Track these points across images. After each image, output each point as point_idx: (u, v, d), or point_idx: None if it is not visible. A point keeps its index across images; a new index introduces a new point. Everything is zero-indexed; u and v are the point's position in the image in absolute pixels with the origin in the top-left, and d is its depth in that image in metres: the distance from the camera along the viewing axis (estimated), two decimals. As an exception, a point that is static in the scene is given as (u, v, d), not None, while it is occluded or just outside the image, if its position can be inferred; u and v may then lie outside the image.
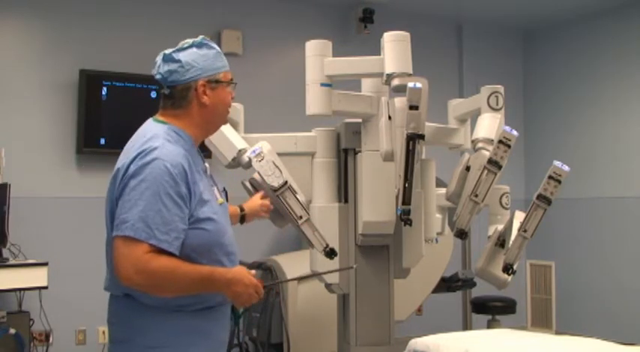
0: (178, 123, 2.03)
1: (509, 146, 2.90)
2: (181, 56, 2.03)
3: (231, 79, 2.09)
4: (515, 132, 2.92)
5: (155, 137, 1.95)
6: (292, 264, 4.32)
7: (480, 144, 3.13)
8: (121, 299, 1.97)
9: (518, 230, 2.88)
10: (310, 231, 2.91)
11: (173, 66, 2.02)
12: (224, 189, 2.19)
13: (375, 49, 3.15)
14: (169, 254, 1.84)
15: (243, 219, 2.60)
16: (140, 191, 1.83)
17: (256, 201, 2.70)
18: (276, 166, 2.93)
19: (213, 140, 2.93)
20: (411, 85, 2.76)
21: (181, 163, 1.89)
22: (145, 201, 1.82)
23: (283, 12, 5.56)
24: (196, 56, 2.03)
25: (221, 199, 2.08)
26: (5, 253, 4.03)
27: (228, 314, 2.11)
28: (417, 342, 2.93)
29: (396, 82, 2.97)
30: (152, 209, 1.82)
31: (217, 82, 2.04)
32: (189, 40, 2.06)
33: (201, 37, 2.08)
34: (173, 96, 2.04)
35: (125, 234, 1.82)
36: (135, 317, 1.95)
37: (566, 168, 2.78)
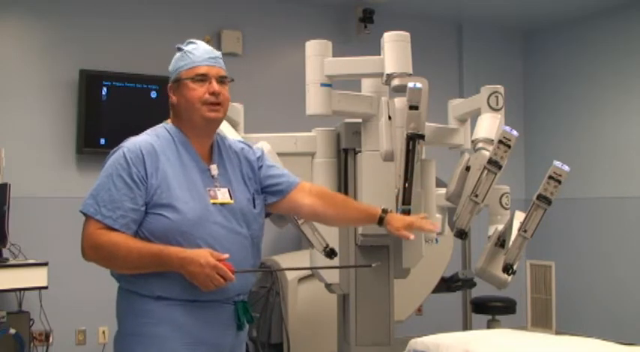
0: (173, 122, 2.15)
1: (509, 146, 2.90)
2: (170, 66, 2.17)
3: (198, 75, 2.06)
4: (515, 133, 2.92)
5: (140, 134, 2.10)
6: (292, 264, 4.32)
7: (480, 144, 3.13)
8: (119, 287, 2.10)
9: (518, 230, 2.88)
10: (310, 231, 2.91)
11: None
12: (252, 197, 2.17)
13: (375, 49, 3.15)
14: (123, 232, 1.95)
15: (381, 220, 2.31)
16: (100, 176, 2.02)
17: (408, 218, 2.36)
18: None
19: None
20: (411, 85, 2.76)
21: (140, 148, 2.01)
22: (98, 182, 2.00)
23: (283, 12, 5.56)
24: (172, 62, 2.15)
25: (222, 200, 2.07)
26: (5, 253, 4.03)
27: (223, 315, 2.06)
28: (417, 342, 2.92)
29: (396, 82, 2.97)
30: (103, 188, 1.98)
31: (178, 80, 2.09)
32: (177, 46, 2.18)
33: (187, 41, 2.16)
34: None
35: (79, 210, 1.99)
36: (119, 303, 2.09)
37: (566, 168, 2.78)
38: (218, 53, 2.15)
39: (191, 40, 2.15)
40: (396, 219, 2.31)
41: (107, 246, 1.94)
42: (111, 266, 2.01)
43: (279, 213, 2.46)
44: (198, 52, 2.10)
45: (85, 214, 1.98)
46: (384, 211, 2.31)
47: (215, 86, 2.06)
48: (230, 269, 1.92)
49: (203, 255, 1.90)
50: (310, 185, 2.35)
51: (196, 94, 2.06)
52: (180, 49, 2.14)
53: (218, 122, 2.13)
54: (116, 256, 1.94)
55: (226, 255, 1.93)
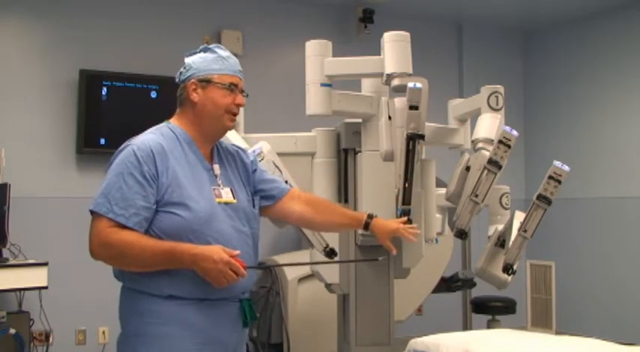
0: (177, 121, 2.16)
1: (509, 146, 2.90)
2: (187, 59, 2.16)
3: (232, 83, 2.12)
4: (515, 133, 2.92)
5: (144, 133, 2.10)
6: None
7: (480, 144, 3.13)
8: (122, 287, 2.08)
9: (518, 230, 2.88)
10: (310, 231, 2.91)
11: (181, 68, 2.16)
12: (252, 197, 2.23)
13: (375, 49, 3.15)
14: (134, 230, 1.95)
15: (367, 225, 2.41)
16: (109, 174, 2.00)
17: (392, 225, 2.46)
18: (276, 166, 2.94)
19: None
20: (411, 85, 2.76)
21: (150, 147, 2.00)
22: (108, 180, 1.98)
23: (283, 12, 5.56)
24: (197, 58, 2.15)
25: (227, 199, 2.10)
26: (5, 253, 4.03)
27: (231, 313, 2.08)
28: (417, 342, 2.92)
29: (396, 82, 2.97)
30: (114, 186, 1.96)
31: (208, 81, 2.10)
32: (202, 46, 2.19)
33: (214, 44, 2.20)
34: (177, 96, 2.17)
35: (89, 209, 1.97)
36: (122, 303, 2.07)
37: (566, 168, 2.78)
38: None
39: (219, 45, 2.19)
40: (381, 226, 2.41)
41: (119, 245, 1.93)
42: (122, 264, 2.00)
43: (267, 217, 2.47)
44: (233, 61, 2.16)
45: (96, 213, 1.96)
46: (370, 216, 2.41)
47: (242, 99, 2.15)
48: (242, 265, 1.95)
49: (216, 251, 1.93)
50: (299, 192, 2.41)
51: (225, 102, 2.12)
52: (210, 51, 2.15)
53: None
54: (128, 254, 1.94)
55: (238, 251, 1.97)
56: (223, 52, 2.16)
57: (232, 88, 2.12)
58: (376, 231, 2.41)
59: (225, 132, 2.19)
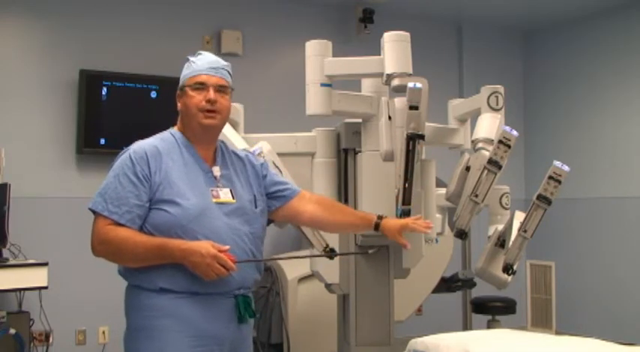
0: (179, 127, 2.27)
1: (509, 146, 2.90)
2: None
3: (197, 83, 2.17)
4: (515, 133, 2.92)
5: (147, 138, 2.21)
6: (292, 264, 4.33)
7: (480, 145, 3.13)
8: (127, 285, 2.17)
9: (518, 230, 2.88)
10: (310, 231, 2.91)
11: None
12: (254, 198, 2.27)
13: (375, 49, 3.15)
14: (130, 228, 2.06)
15: (377, 226, 2.41)
16: (107, 176, 2.13)
17: (401, 221, 2.44)
18: (276, 166, 2.94)
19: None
20: (411, 85, 2.76)
21: (144, 149, 2.12)
22: (106, 181, 2.12)
23: (283, 12, 5.56)
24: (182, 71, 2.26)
25: (224, 199, 2.16)
26: (5, 253, 4.03)
27: (226, 308, 2.13)
28: (417, 342, 2.92)
29: (396, 82, 2.97)
30: (110, 187, 2.09)
31: (182, 88, 2.21)
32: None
33: (197, 52, 2.28)
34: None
35: (88, 207, 2.10)
36: (126, 300, 2.16)
37: (566, 168, 2.78)
38: (223, 64, 2.25)
39: (200, 52, 2.26)
40: (391, 224, 2.41)
41: (115, 241, 2.04)
42: (119, 260, 2.11)
43: (279, 220, 2.51)
44: (201, 61, 2.21)
45: (93, 211, 2.09)
46: (380, 217, 2.42)
47: (211, 94, 2.17)
48: (231, 259, 2.02)
49: (204, 246, 2.01)
50: (310, 193, 2.46)
51: (194, 101, 2.17)
52: (187, 60, 2.25)
53: (215, 128, 2.23)
54: (124, 250, 2.05)
55: (227, 247, 2.03)
56: (194, 56, 2.24)
57: (199, 86, 2.17)
58: (387, 231, 2.39)
59: (205, 129, 2.19)
